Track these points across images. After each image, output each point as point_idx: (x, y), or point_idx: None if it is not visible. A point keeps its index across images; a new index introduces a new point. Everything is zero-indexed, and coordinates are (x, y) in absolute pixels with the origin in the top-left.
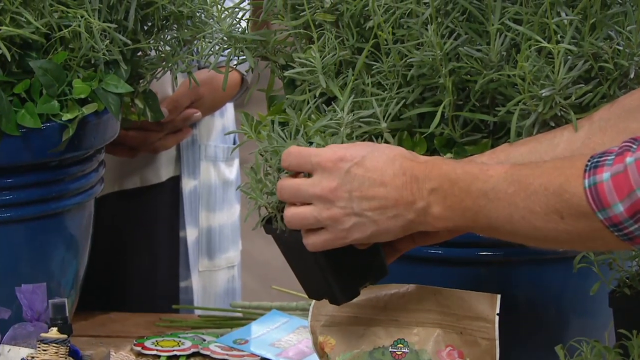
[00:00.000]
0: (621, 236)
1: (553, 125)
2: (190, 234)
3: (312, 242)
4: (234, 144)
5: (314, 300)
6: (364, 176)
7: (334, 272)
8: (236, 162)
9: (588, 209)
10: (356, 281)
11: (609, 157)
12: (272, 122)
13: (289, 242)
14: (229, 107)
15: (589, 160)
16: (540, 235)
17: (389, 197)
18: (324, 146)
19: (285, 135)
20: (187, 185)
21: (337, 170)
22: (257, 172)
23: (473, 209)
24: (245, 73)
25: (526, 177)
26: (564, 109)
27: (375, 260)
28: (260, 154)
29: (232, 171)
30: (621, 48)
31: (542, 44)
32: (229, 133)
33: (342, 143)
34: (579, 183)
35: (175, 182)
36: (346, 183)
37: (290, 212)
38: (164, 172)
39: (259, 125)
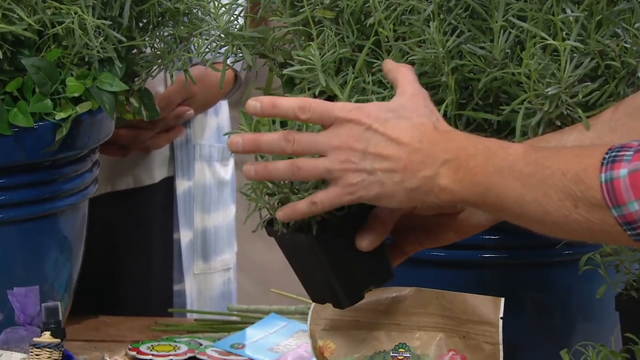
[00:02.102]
0: (633, 235)
1: (559, 124)
2: (184, 236)
3: (320, 198)
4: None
5: (313, 304)
6: (383, 135)
7: (337, 274)
8: (231, 162)
9: (602, 203)
10: (360, 284)
11: (627, 153)
12: (272, 121)
13: (291, 244)
14: (224, 106)
15: (606, 153)
16: (549, 220)
17: (400, 160)
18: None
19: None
20: (181, 186)
21: (358, 124)
22: None
23: (484, 185)
24: (238, 70)
25: (545, 159)
26: (570, 108)
27: (380, 263)
28: (261, 155)
29: (227, 171)
30: (628, 46)
31: (548, 41)
32: (228, 134)
33: None
34: (596, 176)
35: (169, 183)
36: (364, 138)
37: (302, 162)
38: (157, 172)
39: (258, 124)
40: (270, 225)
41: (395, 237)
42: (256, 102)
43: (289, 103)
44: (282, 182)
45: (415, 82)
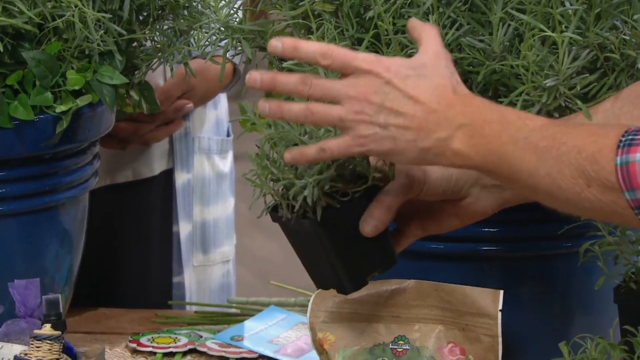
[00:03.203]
0: None
1: (557, 116)
2: (183, 228)
3: (329, 145)
4: (228, 136)
5: (313, 296)
6: (401, 90)
7: (341, 260)
8: (230, 154)
9: (616, 185)
10: (364, 270)
11: None
12: (268, 124)
13: (296, 229)
14: (223, 99)
15: (623, 136)
16: (562, 196)
17: (415, 119)
18: (334, 133)
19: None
20: (180, 178)
21: (378, 77)
22: (262, 159)
23: (498, 154)
24: (237, 63)
25: (561, 134)
26: (569, 100)
27: (384, 249)
28: (267, 141)
29: (226, 164)
30: (627, 38)
31: (546, 33)
32: (233, 120)
33: None
34: (611, 157)
35: (168, 176)
36: (382, 92)
37: (316, 106)
38: (156, 165)
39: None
40: (274, 211)
41: (399, 223)
42: (278, 42)
43: (311, 47)
44: (286, 168)
45: (439, 42)
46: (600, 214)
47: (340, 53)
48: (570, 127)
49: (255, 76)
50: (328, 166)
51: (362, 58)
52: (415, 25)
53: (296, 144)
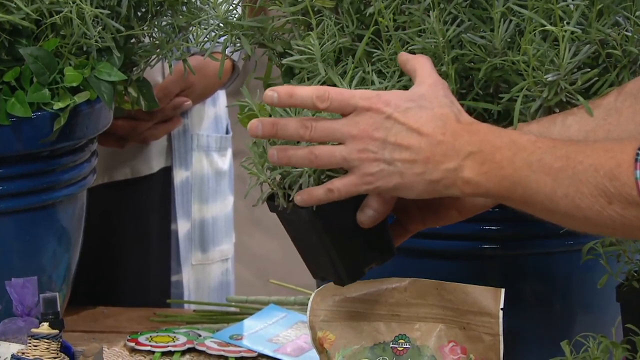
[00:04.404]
0: None
1: (558, 112)
2: (182, 227)
3: (336, 185)
4: (227, 133)
5: (312, 295)
6: (404, 124)
7: (338, 250)
8: (229, 152)
9: (637, 199)
10: (362, 261)
11: None
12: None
13: (293, 219)
14: (222, 96)
15: (639, 149)
16: (582, 216)
17: (421, 152)
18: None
19: (290, 110)
20: (179, 176)
21: (378, 113)
22: (259, 147)
23: (512, 179)
24: (236, 60)
25: (576, 154)
26: (570, 95)
27: (382, 240)
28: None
29: (225, 161)
30: (630, 34)
31: (547, 28)
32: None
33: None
34: (630, 172)
35: (166, 173)
36: (384, 127)
37: (319, 149)
38: (155, 162)
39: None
40: (271, 200)
41: (399, 215)
42: (273, 92)
43: (306, 92)
44: None
45: (434, 72)
46: (622, 231)
47: (336, 93)
48: (583, 145)
49: (257, 124)
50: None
51: (360, 95)
52: (407, 57)
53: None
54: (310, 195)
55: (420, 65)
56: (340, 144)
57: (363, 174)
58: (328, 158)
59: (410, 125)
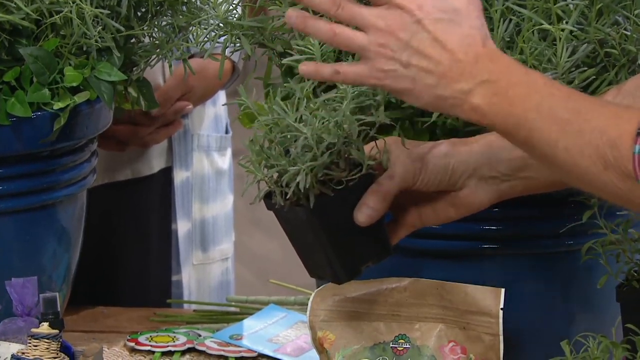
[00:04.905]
0: None
1: None
2: (182, 226)
3: (345, 69)
4: (227, 133)
5: (312, 295)
6: (430, 33)
7: (335, 249)
8: (229, 151)
9: (632, 173)
10: (358, 260)
11: None
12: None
13: (289, 217)
14: (222, 96)
15: None
16: (577, 172)
17: (440, 65)
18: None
19: (288, 107)
20: (179, 176)
21: (409, 14)
22: (256, 144)
23: (519, 118)
24: (235, 60)
25: (587, 110)
26: None
27: (379, 239)
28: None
29: (225, 161)
30: (629, 33)
31: (544, 27)
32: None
33: (344, 116)
34: (630, 145)
35: (167, 174)
36: (410, 30)
37: (341, 28)
38: (155, 163)
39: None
40: (268, 198)
41: (396, 213)
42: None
43: None
44: (280, 155)
45: None
46: (612, 197)
47: None
48: (597, 104)
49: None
50: (322, 153)
51: None
52: None
53: (290, 131)
54: (317, 69)
55: None
56: (362, 32)
57: (375, 68)
58: (346, 40)
59: (436, 36)
